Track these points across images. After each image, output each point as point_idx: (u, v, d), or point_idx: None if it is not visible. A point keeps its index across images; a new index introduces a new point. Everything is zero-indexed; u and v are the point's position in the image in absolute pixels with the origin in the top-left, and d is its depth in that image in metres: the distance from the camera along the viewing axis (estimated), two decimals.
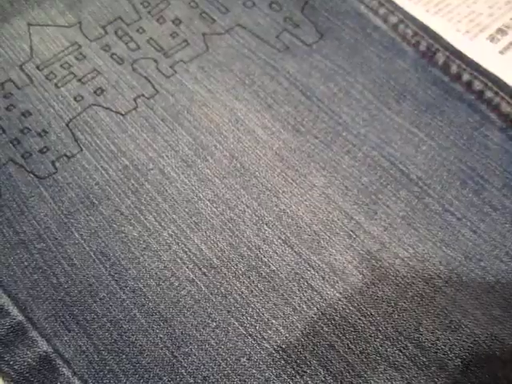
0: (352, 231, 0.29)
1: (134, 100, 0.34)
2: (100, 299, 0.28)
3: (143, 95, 0.34)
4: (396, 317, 0.27)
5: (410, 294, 0.27)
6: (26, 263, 0.29)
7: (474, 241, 0.29)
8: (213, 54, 0.36)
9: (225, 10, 0.38)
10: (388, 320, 0.27)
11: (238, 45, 0.36)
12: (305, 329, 0.27)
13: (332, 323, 0.27)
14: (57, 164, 0.32)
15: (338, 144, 0.32)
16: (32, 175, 0.32)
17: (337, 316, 0.27)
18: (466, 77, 0.34)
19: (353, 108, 0.33)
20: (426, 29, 0.36)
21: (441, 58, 0.34)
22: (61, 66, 0.36)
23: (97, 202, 0.31)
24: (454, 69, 0.34)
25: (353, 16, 0.37)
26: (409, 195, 0.31)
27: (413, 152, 0.32)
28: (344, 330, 0.27)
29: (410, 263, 0.28)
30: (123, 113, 0.34)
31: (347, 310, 0.27)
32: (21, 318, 0.28)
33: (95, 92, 0.34)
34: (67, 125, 0.33)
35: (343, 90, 0.34)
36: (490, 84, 0.33)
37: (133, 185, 0.31)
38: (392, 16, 0.36)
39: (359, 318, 0.27)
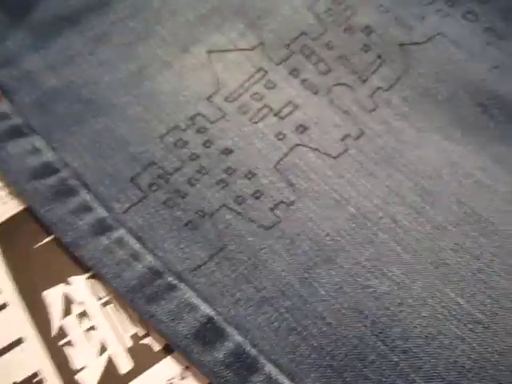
0: None
1: (342, 140, 0.32)
2: (370, 363, 0.26)
3: (349, 135, 0.32)
4: None
5: None
6: (276, 324, 0.27)
7: None
8: (414, 77, 0.33)
9: (421, 17, 0.34)
10: None
11: (443, 60, 0.33)
12: None
13: None
14: (276, 212, 0.30)
15: None
16: (254, 225, 0.29)
17: None
18: None
19: None
20: None
21: None
22: (251, 96, 0.33)
23: (333, 255, 0.29)
24: None
25: None
26: None
27: None
28: None
29: None
30: (334, 155, 0.32)
31: None
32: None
33: (297, 129, 0.32)
34: (275, 167, 0.31)
35: None
36: None
37: (366, 235, 0.29)
38: None
39: None
